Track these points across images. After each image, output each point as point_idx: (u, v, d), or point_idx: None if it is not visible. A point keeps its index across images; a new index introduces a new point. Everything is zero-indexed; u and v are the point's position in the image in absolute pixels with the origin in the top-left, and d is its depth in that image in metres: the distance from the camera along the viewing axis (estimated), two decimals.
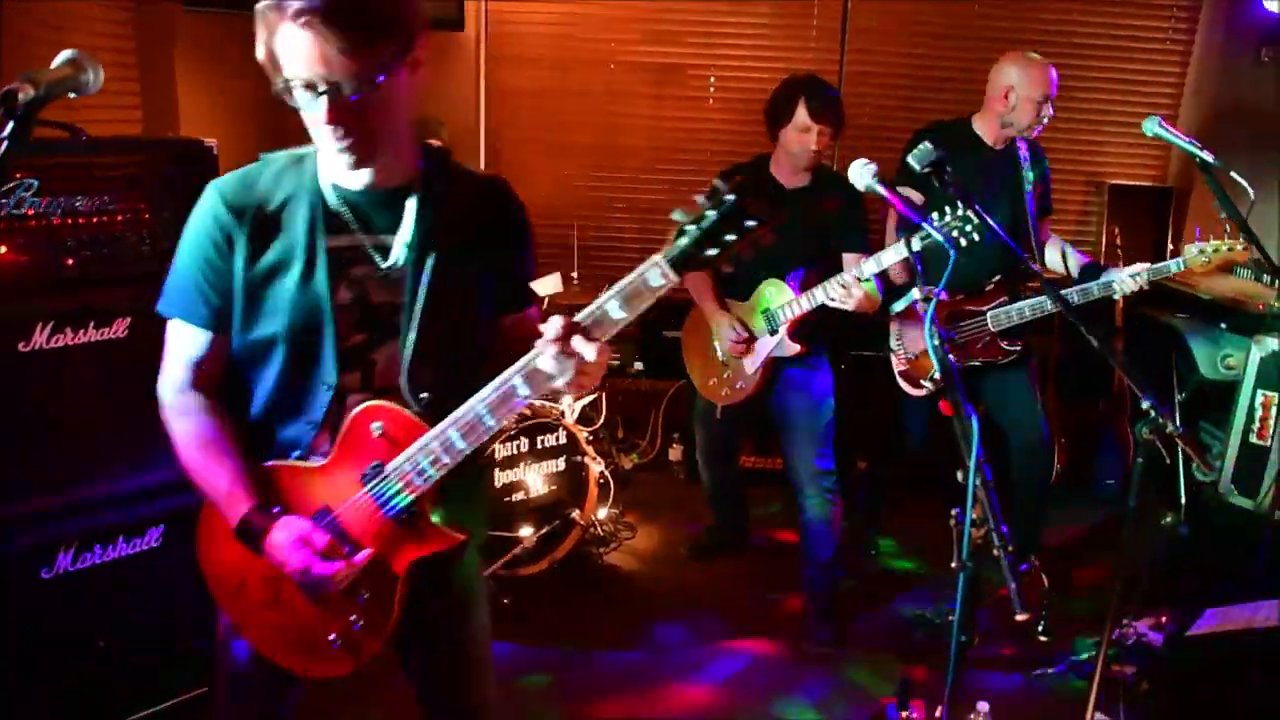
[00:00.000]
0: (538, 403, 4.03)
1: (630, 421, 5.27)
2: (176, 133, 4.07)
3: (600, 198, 5.49)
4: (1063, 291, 3.42)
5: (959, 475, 1.69)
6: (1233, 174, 2.88)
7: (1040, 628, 3.57)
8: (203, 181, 2.63)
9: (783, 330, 3.47)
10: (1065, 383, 4.98)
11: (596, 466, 3.97)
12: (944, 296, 1.89)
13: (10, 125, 1.24)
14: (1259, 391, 3.67)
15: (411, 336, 1.75)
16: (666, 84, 5.35)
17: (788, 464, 3.62)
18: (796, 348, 3.50)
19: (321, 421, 1.76)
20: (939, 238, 2.05)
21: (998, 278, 3.60)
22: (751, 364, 3.58)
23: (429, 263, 1.75)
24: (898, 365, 3.78)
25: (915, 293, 1.97)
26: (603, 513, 4.18)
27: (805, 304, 3.39)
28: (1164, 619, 3.43)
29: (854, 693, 3.30)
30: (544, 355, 1.55)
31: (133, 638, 2.65)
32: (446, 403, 1.70)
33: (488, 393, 1.64)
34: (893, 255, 3.22)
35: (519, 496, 3.82)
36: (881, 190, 2.15)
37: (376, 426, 1.72)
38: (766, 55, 5.23)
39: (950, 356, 1.85)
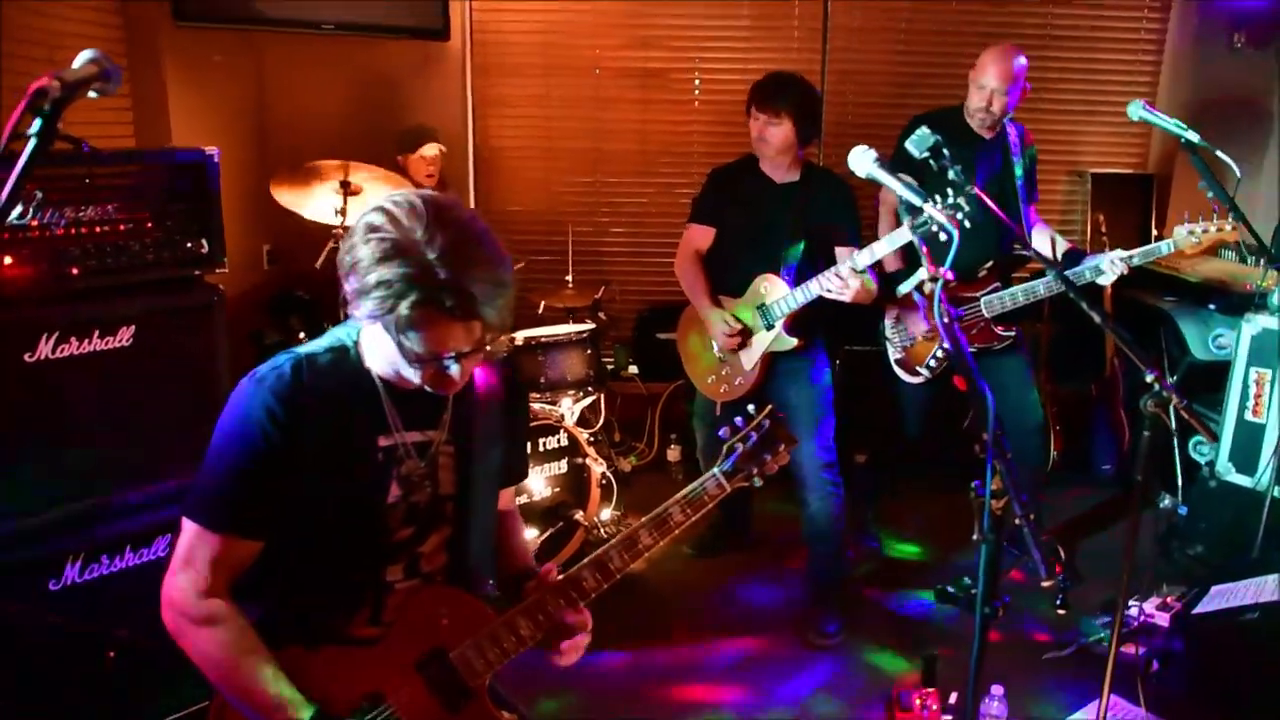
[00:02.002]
0: (537, 406, 4.05)
1: (626, 424, 5.28)
2: (168, 144, 4.07)
3: (591, 202, 5.50)
4: (1049, 277, 3.47)
5: (976, 449, 1.72)
6: (1218, 153, 2.93)
7: (1058, 601, 3.62)
8: (204, 190, 2.71)
9: (779, 325, 3.49)
10: (1057, 366, 5.03)
11: (598, 468, 3.98)
12: (950, 276, 1.91)
13: (38, 123, 1.25)
14: (1252, 369, 3.72)
15: (463, 527, 1.83)
16: (652, 88, 5.38)
17: (791, 461, 3.61)
18: (794, 342, 3.52)
19: (361, 608, 1.77)
20: (942, 219, 2.07)
21: (990, 263, 3.64)
22: (749, 360, 3.59)
23: (469, 454, 1.82)
24: (893, 354, 3.82)
25: (922, 272, 1.98)
26: (606, 514, 4.19)
27: (800, 298, 3.41)
28: (1169, 599, 3.47)
29: (862, 682, 3.31)
30: (615, 549, 1.83)
31: (140, 649, 2.61)
32: (487, 583, 1.85)
33: (558, 584, 1.80)
34: (885, 246, 3.26)
35: (522, 500, 3.83)
36: (883, 175, 2.16)
37: (441, 612, 1.76)
38: (750, 57, 5.26)
39: (960, 334, 1.87)
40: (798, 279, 3.46)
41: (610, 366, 5.33)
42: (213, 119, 4.54)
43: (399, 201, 1.54)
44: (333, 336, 1.74)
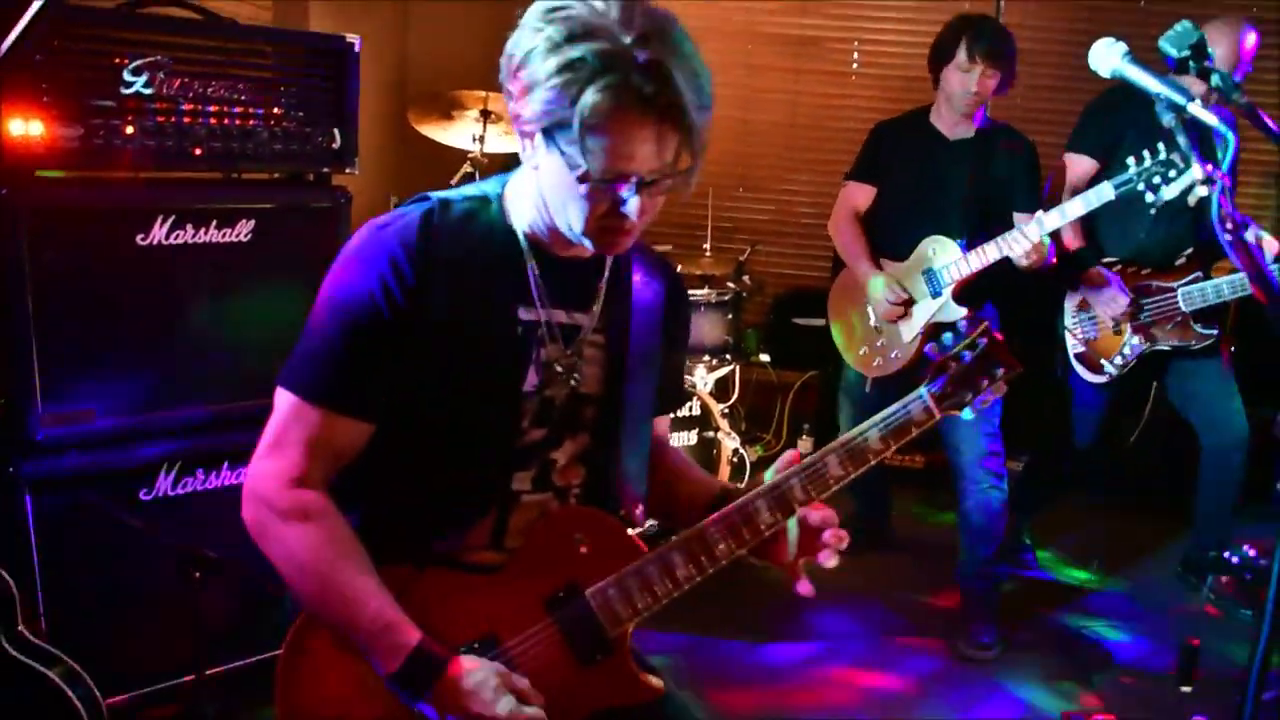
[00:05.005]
0: None
1: (754, 412, 4.93)
2: None
3: (734, 173, 5.19)
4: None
5: None
6: None
7: None
8: (342, 81, 2.47)
9: (947, 292, 3.13)
10: (1241, 386, 4.47)
11: (730, 443, 3.64)
12: (1228, 182, 1.53)
13: None
14: None
15: (606, 438, 1.51)
16: (806, 57, 5.07)
17: (950, 445, 3.25)
18: (963, 311, 3.14)
19: (481, 521, 1.45)
20: (1211, 120, 1.67)
21: (1190, 250, 3.23)
22: (909, 330, 3.23)
23: (620, 351, 1.50)
24: (1074, 347, 3.40)
25: (1194, 174, 1.60)
26: None
27: (975, 262, 3.06)
28: None
29: (1017, 702, 2.92)
30: (797, 478, 1.41)
31: (222, 577, 2.28)
32: (636, 510, 1.51)
33: (725, 514, 1.42)
34: (1080, 206, 2.92)
35: None
36: (1134, 71, 1.78)
37: (578, 538, 1.43)
38: (915, 29, 4.87)
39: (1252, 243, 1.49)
40: (970, 242, 3.10)
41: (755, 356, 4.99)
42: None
43: None
44: (474, 186, 1.46)
